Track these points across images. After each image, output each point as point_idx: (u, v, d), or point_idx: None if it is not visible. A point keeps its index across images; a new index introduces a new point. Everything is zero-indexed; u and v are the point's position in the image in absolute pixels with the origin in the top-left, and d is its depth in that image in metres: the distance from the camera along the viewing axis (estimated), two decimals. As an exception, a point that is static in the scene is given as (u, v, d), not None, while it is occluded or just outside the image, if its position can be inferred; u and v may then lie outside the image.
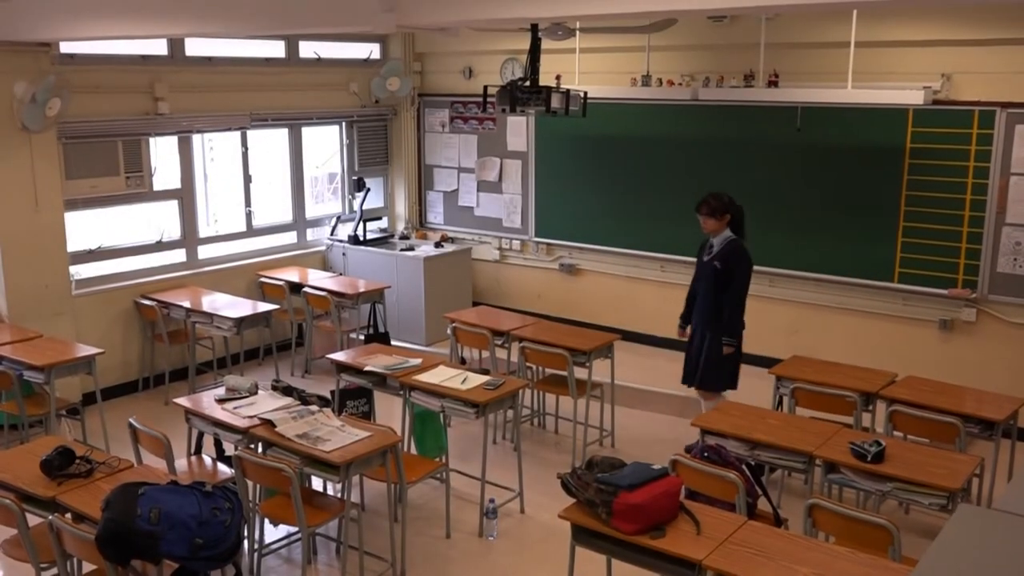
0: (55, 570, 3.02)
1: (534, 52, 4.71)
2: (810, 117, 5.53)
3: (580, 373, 4.72)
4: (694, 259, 6.20)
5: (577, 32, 5.59)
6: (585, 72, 6.13)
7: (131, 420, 3.65)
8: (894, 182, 5.40)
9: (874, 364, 4.58)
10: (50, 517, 2.90)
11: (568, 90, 4.79)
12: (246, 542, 3.44)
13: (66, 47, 5.27)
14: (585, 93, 4.90)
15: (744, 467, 3.33)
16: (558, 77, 6.03)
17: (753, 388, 4.85)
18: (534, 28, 4.64)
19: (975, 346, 5.33)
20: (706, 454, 3.34)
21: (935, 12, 5.10)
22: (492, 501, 4.04)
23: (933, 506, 3.17)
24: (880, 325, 5.65)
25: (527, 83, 4.70)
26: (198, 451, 3.96)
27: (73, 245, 5.46)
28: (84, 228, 5.62)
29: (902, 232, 5.43)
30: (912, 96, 4.97)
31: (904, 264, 5.46)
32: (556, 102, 4.70)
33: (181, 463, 3.77)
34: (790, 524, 3.36)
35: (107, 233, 5.80)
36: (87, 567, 3.10)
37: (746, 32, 5.64)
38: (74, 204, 5.46)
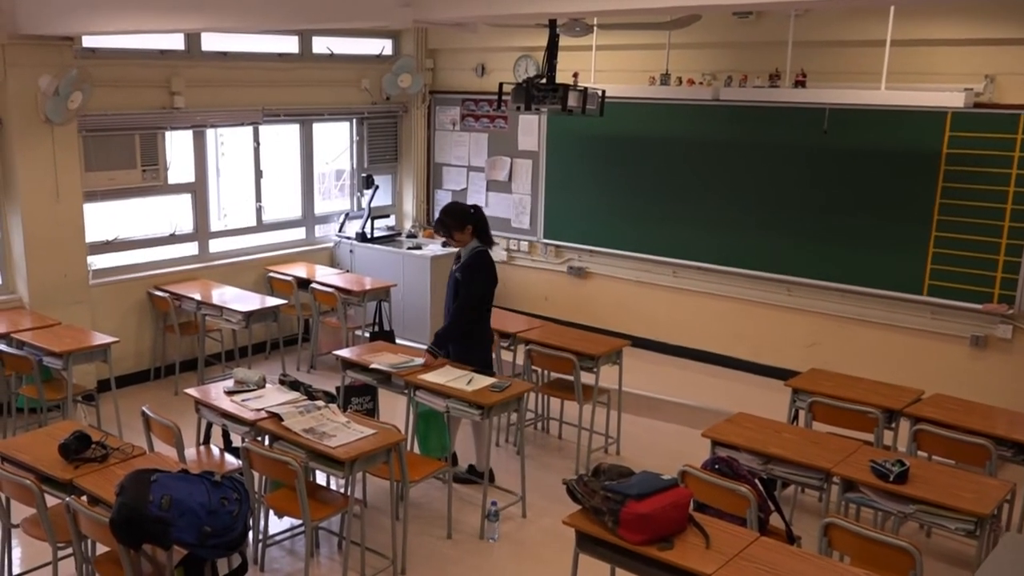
0: (71, 550, 3.24)
1: (551, 49, 4.72)
2: (839, 119, 5.46)
3: (587, 378, 4.81)
4: (709, 265, 6.34)
5: (595, 28, 5.61)
6: (601, 70, 6.16)
7: (144, 408, 3.85)
8: (927, 189, 5.30)
9: (898, 380, 4.52)
10: (67, 499, 3.11)
11: (586, 88, 4.81)
12: (251, 532, 3.63)
13: (88, 41, 5.51)
14: (603, 92, 4.91)
15: (756, 481, 3.33)
16: (575, 75, 6.12)
17: (768, 401, 4.85)
18: (552, 24, 4.66)
19: (1010, 365, 5.20)
20: (717, 466, 3.36)
21: (978, 9, 4.93)
22: (494, 504, 4.16)
23: (959, 531, 3.12)
24: (906, 339, 5.57)
25: (543, 81, 4.74)
26: (206, 441, 4.15)
27: (90, 236, 5.70)
28: (101, 219, 5.86)
29: (934, 242, 5.34)
30: (952, 98, 4.87)
31: (935, 276, 5.37)
32: (573, 100, 4.71)
33: (190, 452, 3.96)
34: (803, 542, 3.35)
35: (122, 225, 6.04)
36: (101, 548, 3.30)
37: (773, 29, 5.62)
38: (92, 195, 5.70)
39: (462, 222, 4.45)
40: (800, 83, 5.54)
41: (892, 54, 4.89)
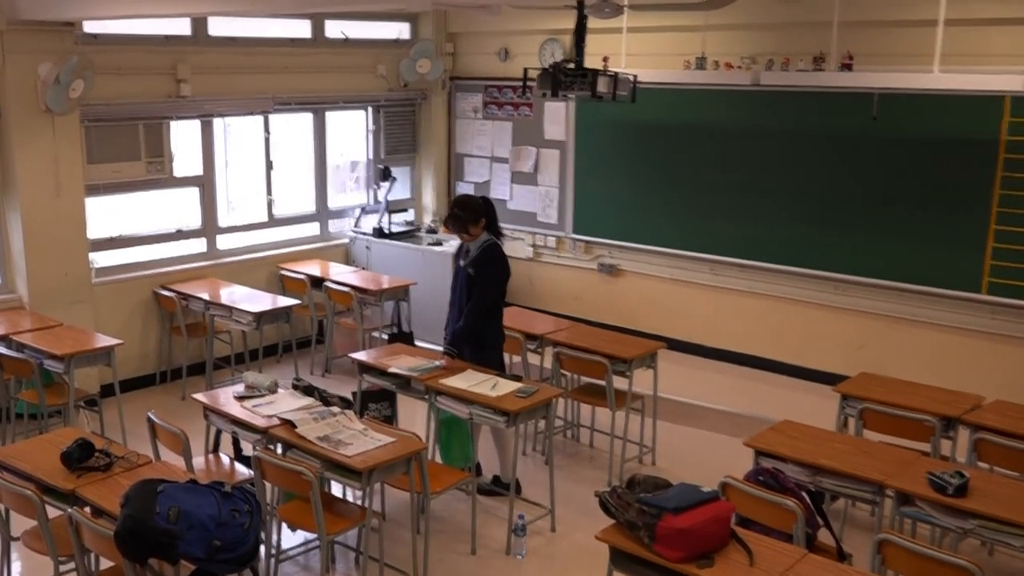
0: (73, 564, 3.24)
1: (580, 31, 4.73)
2: (888, 105, 5.39)
3: (620, 383, 4.79)
4: (750, 261, 6.30)
5: (626, 9, 5.61)
6: (633, 54, 6.15)
7: (150, 414, 3.87)
8: (985, 179, 5.24)
9: (956, 385, 4.48)
10: (69, 510, 3.12)
11: (616, 73, 4.81)
12: (263, 546, 3.61)
13: (90, 27, 5.54)
14: (635, 77, 4.92)
15: (804, 494, 3.31)
16: (605, 59, 6.10)
17: (815, 407, 4.83)
18: (580, 5, 4.66)
19: (1080, 369, 5.18)
20: (761, 478, 3.35)
21: (1040, -15, 4.94)
22: (521, 517, 4.14)
23: (1025, 549, 3.11)
24: (964, 341, 5.51)
25: (571, 66, 4.74)
26: (215, 450, 4.17)
27: (93, 232, 5.75)
28: (103, 214, 5.90)
29: (993, 236, 5.28)
30: (1010, 82, 4.83)
31: (995, 273, 5.31)
32: (603, 86, 4.71)
33: (198, 461, 3.97)
34: (854, 560, 3.35)
35: (126, 220, 6.08)
36: (104, 563, 3.31)
37: (816, 9, 5.57)
38: (95, 189, 5.75)
39: (477, 215, 4.48)
40: (846, 66, 5.49)
41: (946, 34, 4.84)
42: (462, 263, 4.57)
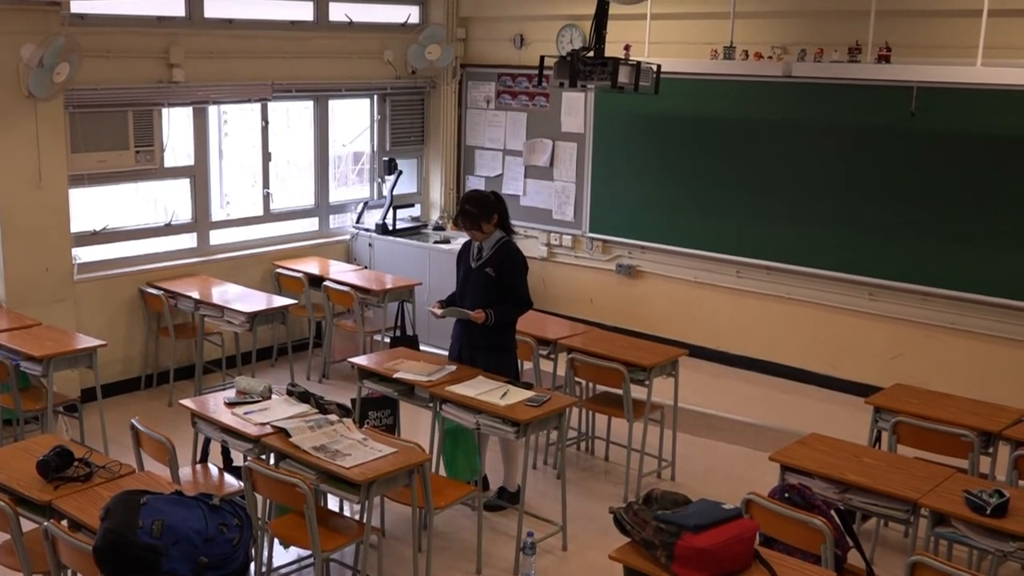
0: (48, 582, 3.22)
1: (600, 17, 4.77)
2: (928, 99, 5.45)
3: (638, 392, 4.79)
4: (778, 264, 6.29)
5: (649, -7, 5.66)
6: (656, 42, 6.18)
7: (133, 421, 3.86)
8: None
9: (998, 399, 4.50)
10: (45, 523, 3.10)
11: (639, 63, 4.84)
12: (253, 564, 3.58)
13: (77, 6, 5.54)
14: (658, 67, 4.94)
15: (833, 512, 3.34)
16: (627, 47, 6.11)
17: (846, 420, 4.85)
18: None
19: None
20: (787, 495, 3.35)
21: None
22: (530, 535, 4.12)
23: (1068, 575, 3.14)
24: (1006, 351, 5.54)
25: (591, 54, 4.78)
26: (204, 459, 4.17)
27: (76, 226, 5.75)
28: (88, 207, 5.91)
29: None
30: None
31: None
32: (624, 76, 4.76)
33: (185, 471, 3.96)
34: None
35: (112, 213, 6.09)
36: (82, 581, 3.29)
37: None
38: (79, 180, 5.75)
39: (490, 211, 4.50)
40: (884, 58, 5.50)
41: (990, 25, 4.85)
42: (474, 264, 4.56)
